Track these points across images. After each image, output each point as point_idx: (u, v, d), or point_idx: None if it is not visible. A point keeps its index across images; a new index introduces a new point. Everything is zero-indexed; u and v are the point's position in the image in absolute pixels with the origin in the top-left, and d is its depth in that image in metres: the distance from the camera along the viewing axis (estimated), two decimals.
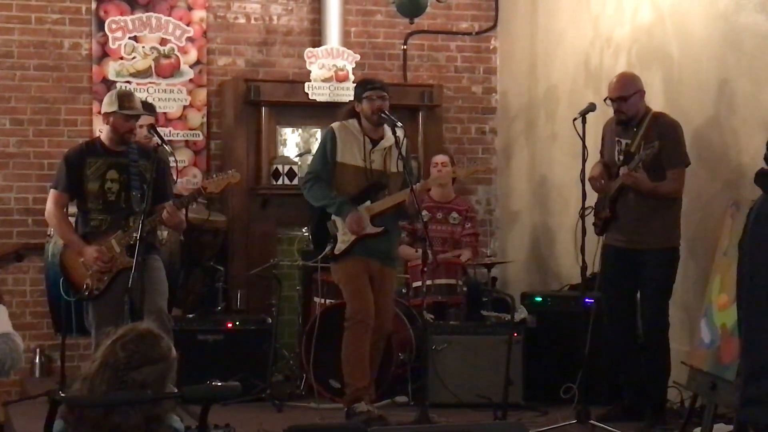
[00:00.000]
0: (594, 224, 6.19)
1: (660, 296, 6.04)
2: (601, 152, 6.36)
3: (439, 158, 7.57)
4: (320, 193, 6.13)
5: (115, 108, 5.80)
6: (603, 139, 6.34)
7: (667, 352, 6.04)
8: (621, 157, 6.10)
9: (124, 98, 5.85)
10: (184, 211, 6.14)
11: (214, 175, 6.16)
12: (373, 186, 6.14)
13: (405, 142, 6.14)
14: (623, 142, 6.12)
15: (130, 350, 2.88)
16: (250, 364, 6.77)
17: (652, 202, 6.00)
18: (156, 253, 5.95)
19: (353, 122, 6.17)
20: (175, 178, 6.45)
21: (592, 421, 5.75)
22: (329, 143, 6.15)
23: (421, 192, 6.29)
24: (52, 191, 5.95)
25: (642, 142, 5.99)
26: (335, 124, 6.22)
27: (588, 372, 6.00)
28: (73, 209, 6.12)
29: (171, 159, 6.05)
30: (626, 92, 6.06)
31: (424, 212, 7.09)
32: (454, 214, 7.61)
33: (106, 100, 5.96)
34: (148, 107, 7.18)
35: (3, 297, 4.17)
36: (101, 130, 6.07)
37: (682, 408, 5.95)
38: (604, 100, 6.16)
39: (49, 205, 5.93)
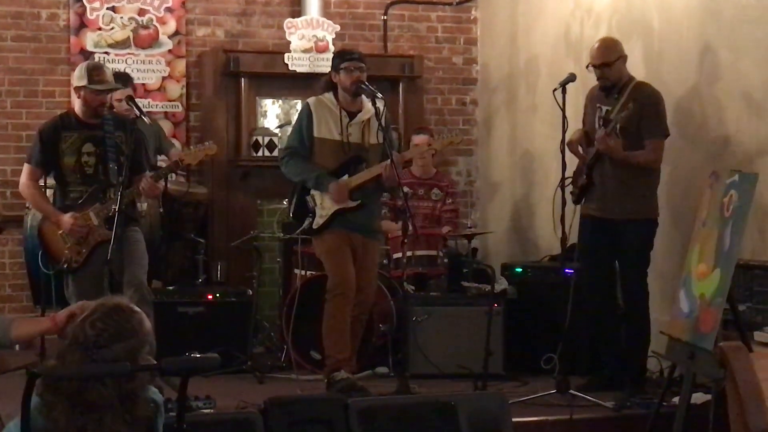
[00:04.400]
0: (571, 192, 6.18)
1: (638, 267, 6.05)
2: (584, 121, 6.35)
3: (418, 139, 7.47)
4: (298, 168, 6.11)
5: (84, 82, 5.74)
6: (585, 107, 6.33)
7: (647, 322, 6.07)
8: (600, 123, 6.10)
9: (94, 72, 5.77)
10: (161, 183, 6.12)
11: (191, 147, 6.13)
12: (351, 160, 6.11)
13: (384, 113, 6.11)
14: (604, 108, 6.12)
15: (99, 328, 2.86)
16: (231, 336, 6.77)
17: (628, 171, 6.01)
18: (136, 225, 5.92)
19: (329, 96, 6.13)
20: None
21: (572, 391, 5.78)
22: (305, 119, 6.12)
23: (399, 164, 6.23)
24: (26, 165, 5.93)
25: (622, 110, 5.98)
26: (311, 99, 6.19)
27: (568, 342, 6.01)
28: (51, 182, 6.10)
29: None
30: (609, 58, 6.05)
31: (406, 188, 7.08)
32: (436, 190, 7.61)
33: (76, 73, 5.91)
34: (124, 78, 7.11)
35: None
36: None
37: (661, 377, 5.99)
38: (586, 66, 6.14)
39: (23, 179, 5.91)
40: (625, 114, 5.83)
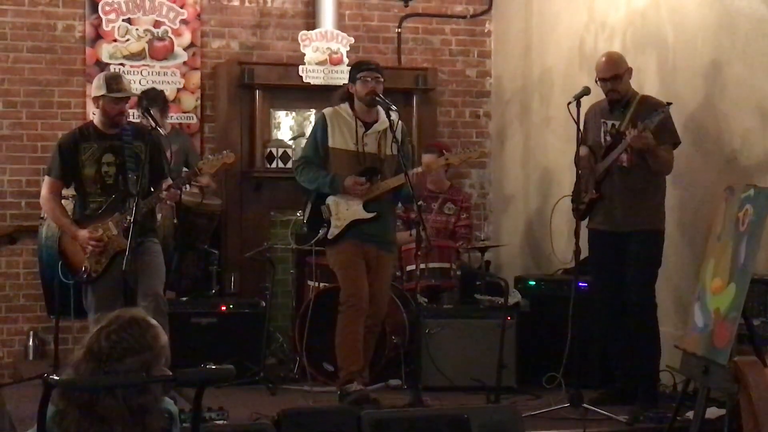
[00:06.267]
0: (575, 209, 6.14)
1: (646, 278, 6.04)
2: (584, 139, 6.30)
3: (427, 158, 7.31)
4: (312, 174, 6.13)
5: (103, 91, 5.79)
6: (585, 124, 6.29)
7: (657, 333, 6.05)
8: (608, 138, 6.09)
9: (112, 81, 5.83)
10: (179, 192, 6.15)
11: (209, 156, 6.16)
12: (366, 171, 6.12)
13: (399, 125, 6.12)
14: (609, 123, 6.11)
15: (113, 341, 2.85)
16: (244, 347, 6.77)
17: (639, 183, 6.00)
18: (154, 236, 5.95)
19: (345, 107, 6.15)
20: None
21: (585, 405, 5.76)
22: (320, 129, 6.15)
23: (420, 178, 6.21)
24: (46, 178, 5.96)
25: (631, 123, 5.98)
26: (327, 110, 6.21)
27: (577, 356, 6.00)
28: (71, 191, 6.12)
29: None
30: (620, 70, 6.06)
31: (420, 201, 7.07)
32: (450, 204, 7.61)
33: (94, 83, 5.95)
34: (153, 96, 7.14)
35: None
36: (95, 113, 6.07)
37: (675, 392, 5.97)
38: (596, 81, 6.13)
39: (44, 192, 5.93)
40: (660, 116, 5.77)
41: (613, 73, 6.04)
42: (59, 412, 2.83)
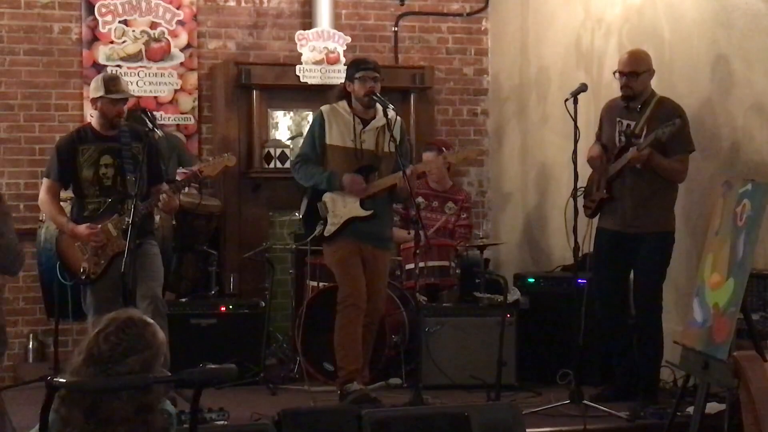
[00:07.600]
0: (586, 206, 6.16)
1: (654, 280, 6.04)
2: (598, 135, 6.32)
3: (427, 156, 7.40)
4: (309, 172, 6.13)
5: (101, 93, 5.80)
6: (601, 121, 6.30)
7: (660, 335, 6.06)
8: (622, 138, 6.08)
9: (110, 82, 5.84)
10: (178, 194, 6.15)
11: (210, 159, 6.16)
12: (364, 168, 6.12)
13: (398, 123, 6.12)
14: (624, 122, 6.10)
15: (113, 342, 2.85)
16: (244, 348, 6.78)
17: (651, 185, 5.99)
18: (152, 238, 5.96)
19: (343, 104, 6.16)
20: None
21: (585, 402, 5.77)
22: (318, 126, 6.15)
23: (415, 177, 6.22)
24: (44, 180, 5.97)
25: (646, 125, 5.97)
26: (324, 107, 6.22)
27: (581, 353, 6.00)
28: (69, 194, 6.12)
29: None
30: (639, 68, 6.05)
31: (420, 199, 7.08)
32: (450, 204, 7.61)
33: (92, 85, 5.95)
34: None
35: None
36: (92, 115, 6.07)
37: (675, 387, 5.98)
38: (614, 73, 6.12)
39: (42, 194, 5.94)
40: (670, 128, 5.79)
41: (631, 69, 6.03)
42: (62, 418, 2.83)
